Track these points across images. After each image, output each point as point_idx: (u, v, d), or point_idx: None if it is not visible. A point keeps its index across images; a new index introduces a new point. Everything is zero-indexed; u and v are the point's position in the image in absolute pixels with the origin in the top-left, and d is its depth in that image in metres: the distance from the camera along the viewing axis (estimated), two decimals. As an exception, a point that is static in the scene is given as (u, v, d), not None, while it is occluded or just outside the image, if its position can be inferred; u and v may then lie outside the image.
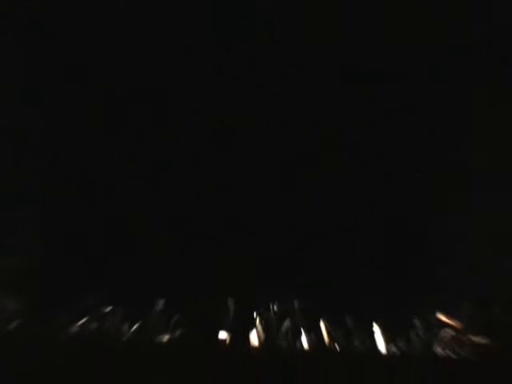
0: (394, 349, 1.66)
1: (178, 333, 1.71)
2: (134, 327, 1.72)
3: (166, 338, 1.68)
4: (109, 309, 1.77)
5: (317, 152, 1.97)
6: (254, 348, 1.69)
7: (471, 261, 1.76)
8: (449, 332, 1.67)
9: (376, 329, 1.71)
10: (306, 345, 1.69)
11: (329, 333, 1.71)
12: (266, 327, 1.75)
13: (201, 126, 1.98)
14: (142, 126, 1.96)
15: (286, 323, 1.76)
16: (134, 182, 1.93)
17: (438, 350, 1.63)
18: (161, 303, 1.79)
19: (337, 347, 1.68)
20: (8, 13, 1.79)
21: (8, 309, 1.70)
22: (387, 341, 1.67)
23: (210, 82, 1.91)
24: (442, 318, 1.72)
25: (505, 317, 1.61)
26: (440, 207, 1.87)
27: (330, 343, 1.69)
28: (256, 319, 1.77)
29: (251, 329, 1.74)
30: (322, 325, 1.74)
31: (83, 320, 1.72)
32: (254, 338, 1.72)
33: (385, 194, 1.90)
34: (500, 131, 1.84)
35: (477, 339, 1.62)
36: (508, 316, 1.60)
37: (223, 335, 1.72)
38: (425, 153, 1.94)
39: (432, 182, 1.91)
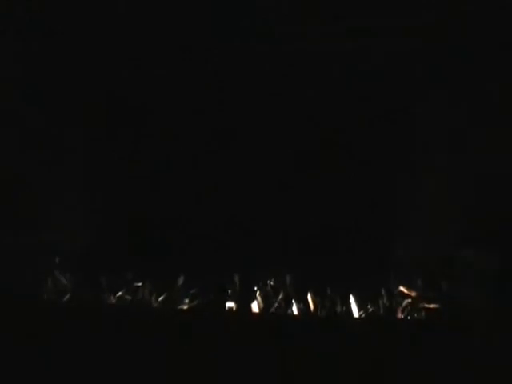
0: (365, 314, 1.88)
1: (195, 302, 1.92)
2: (160, 298, 1.93)
3: (185, 306, 1.90)
4: (139, 284, 2.00)
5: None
6: (255, 314, 1.89)
7: (428, 249, 2.02)
8: (407, 301, 1.91)
9: (351, 299, 1.92)
10: (296, 312, 1.90)
11: (314, 302, 1.91)
12: (264, 298, 1.94)
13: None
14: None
15: (280, 295, 1.95)
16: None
17: (399, 314, 1.88)
18: (182, 279, 1.99)
19: (321, 313, 1.89)
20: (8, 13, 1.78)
21: (62, 284, 1.96)
22: (360, 308, 1.89)
23: (210, 81, 1.97)
24: (403, 289, 1.96)
25: (448, 289, 1.91)
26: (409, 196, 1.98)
27: (315, 310, 1.89)
28: (256, 292, 1.97)
29: (253, 299, 1.94)
30: (308, 296, 1.94)
31: (120, 293, 1.96)
32: (254, 307, 1.93)
33: (359, 178, 2.00)
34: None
35: (428, 306, 1.89)
36: (451, 289, 1.90)
37: (230, 304, 1.93)
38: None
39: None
